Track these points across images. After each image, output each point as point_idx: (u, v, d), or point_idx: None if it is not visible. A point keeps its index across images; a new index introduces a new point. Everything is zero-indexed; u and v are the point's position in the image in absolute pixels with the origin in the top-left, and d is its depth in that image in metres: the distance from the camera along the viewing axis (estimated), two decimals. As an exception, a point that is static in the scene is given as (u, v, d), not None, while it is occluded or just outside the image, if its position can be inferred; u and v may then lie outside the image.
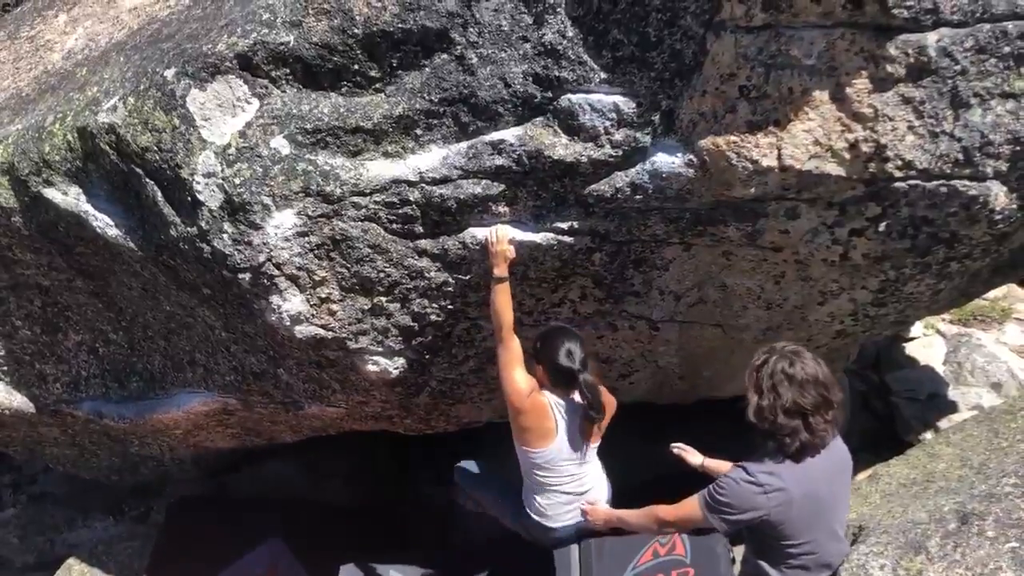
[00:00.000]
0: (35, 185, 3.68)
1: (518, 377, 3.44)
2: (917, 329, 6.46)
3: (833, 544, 3.03)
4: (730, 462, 3.35)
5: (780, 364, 2.86)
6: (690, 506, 3.08)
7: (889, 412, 5.91)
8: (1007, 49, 2.88)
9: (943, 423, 5.56)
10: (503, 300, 3.42)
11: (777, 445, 2.89)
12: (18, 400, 4.92)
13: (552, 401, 3.47)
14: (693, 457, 3.71)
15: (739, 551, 3.98)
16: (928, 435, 5.44)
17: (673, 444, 3.78)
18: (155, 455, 5.49)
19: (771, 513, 2.88)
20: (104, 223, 3.66)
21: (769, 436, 2.89)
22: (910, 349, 6.37)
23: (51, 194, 3.68)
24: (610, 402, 3.55)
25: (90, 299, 4.32)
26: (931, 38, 2.88)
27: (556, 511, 3.67)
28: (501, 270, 3.43)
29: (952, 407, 5.75)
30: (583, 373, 3.39)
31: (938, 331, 6.60)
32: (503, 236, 3.45)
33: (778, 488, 2.86)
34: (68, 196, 3.68)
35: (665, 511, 3.23)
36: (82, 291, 4.28)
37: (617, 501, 3.84)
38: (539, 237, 3.52)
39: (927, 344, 6.42)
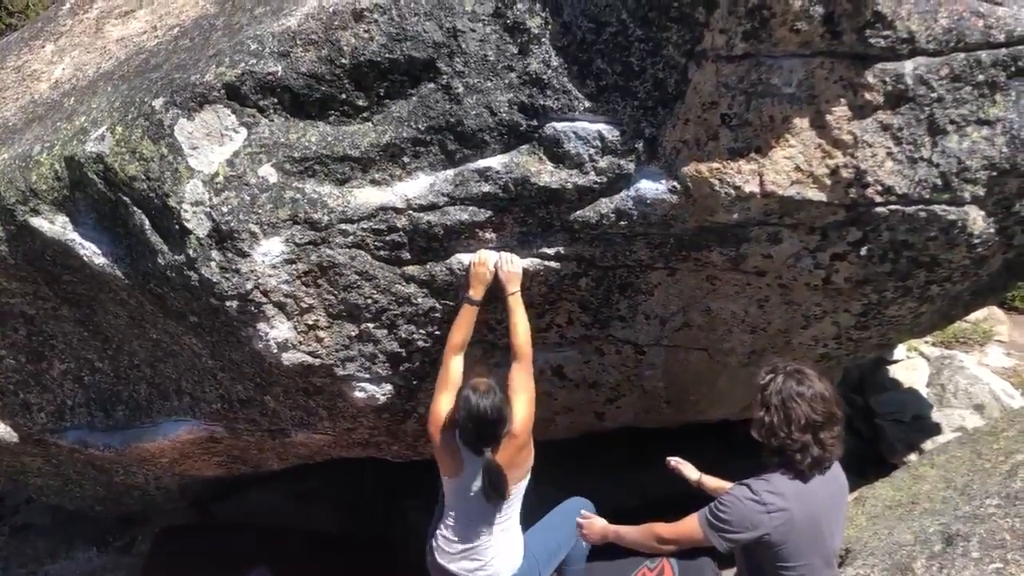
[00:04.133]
0: (22, 214, 3.68)
1: (441, 403, 3.47)
2: (900, 352, 6.51)
3: (826, 571, 3.03)
4: (727, 481, 3.37)
5: (788, 382, 2.89)
6: (690, 524, 3.07)
7: (874, 434, 5.93)
8: (981, 77, 2.94)
9: (927, 445, 5.60)
10: (462, 321, 3.47)
11: (786, 461, 2.89)
12: (1, 430, 4.88)
13: (488, 462, 3.35)
14: (690, 472, 3.71)
15: (728, 575, 3.99)
16: (913, 457, 5.47)
17: (670, 457, 3.78)
18: (140, 484, 5.44)
19: (772, 533, 2.89)
20: (91, 252, 3.66)
21: (778, 453, 2.91)
22: (894, 372, 6.42)
23: (38, 223, 3.68)
24: (516, 476, 3.44)
25: (76, 328, 4.31)
26: (908, 66, 2.94)
27: (447, 549, 3.61)
28: (476, 292, 3.46)
29: (936, 429, 5.78)
30: (485, 453, 3.32)
31: (921, 353, 6.66)
32: (485, 259, 3.46)
33: (781, 508, 2.87)
34: (55, 225, 3.68)
35: (664, 528, 3.20)
36: (68, 320, 4.27)
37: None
38: (526, 263, 3.54)
39: (911, 367, 6.46)
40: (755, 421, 2.95)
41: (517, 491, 3.52)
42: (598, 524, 3.56)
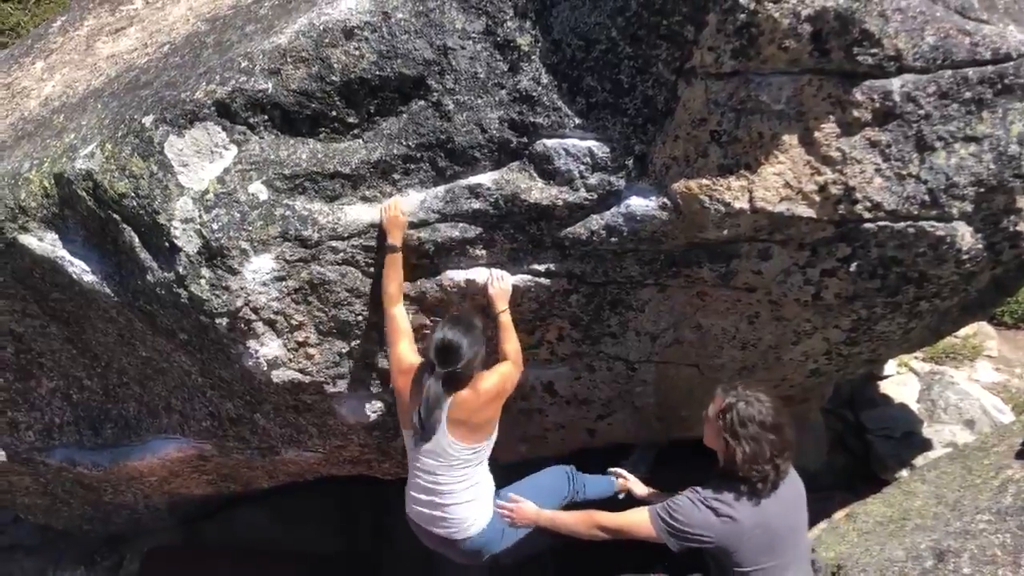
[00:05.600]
0: (10, 231, 3.67)
1: (399, 352, 3.45)
2: (891, 367, 6.52)
3: (791, 571, 3.11)
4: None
5: (749, 411, 3.00)
6: (638, 516, 3.16)
7: (864, 450, 5.93)
8: (968, 94, 2.96)
9: (918, 460, 5.60)
10: (390, 270, 3.42)
11: (748, 488, 3.01)
12: (-12, 449, 4.85)
13: (430, 385, 3.31)
14: (637, 488, 3.78)
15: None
16: (904, 473, 5.47)
17: (611, 469, 3.80)
18: (129, 503, 5.40)
19: (720, 540, 3.00)
20: (80, 269, 3.64)
21: (743, 481, 3.00)
22: (884, 387, 6.43)
23: (26, 240, 3.67)
24: (471, 436, 3.39)
25: (64, 345, 4.28)
26: (895, 84, 2.96)
27: (409, 508, 3.59)
28: (394, 238, 3.40)
29: (927, 444, 5.79)
30: (437, 368, 3.27)
31: (911, 369, 6.67)
32: (395, 203, 3.40)
33: (729, 516, 2.99)
34: (44, 242, 3.66)
35: (606, 516, 3.24)
36: (56, 337, 4.25)
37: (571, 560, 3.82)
38: (516, 279, 3.55)
39: (901, 382, 6.47)
40: (726, 452, 3.04)
41: (473, 454, 3.43)
42: (528, 509, 3.48)
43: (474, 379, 3.36)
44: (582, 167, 3.26)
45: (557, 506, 3.69)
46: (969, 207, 3.12)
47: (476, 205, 3.37)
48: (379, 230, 3.45)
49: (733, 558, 3.02)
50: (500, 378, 3.41)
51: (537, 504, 3.56)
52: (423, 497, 3.51)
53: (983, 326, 7.13)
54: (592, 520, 3.26)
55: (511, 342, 3.49)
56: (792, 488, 3.13)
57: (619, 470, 3.83)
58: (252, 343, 3.57)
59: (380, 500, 5.70)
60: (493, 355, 3.51)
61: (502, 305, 3.50)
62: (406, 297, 3.57)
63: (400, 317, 3.48)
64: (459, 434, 3.37)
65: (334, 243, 3.43)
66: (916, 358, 6.76)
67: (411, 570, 5.46)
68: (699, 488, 3.06)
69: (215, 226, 3.33)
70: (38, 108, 4.28)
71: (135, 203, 3.34)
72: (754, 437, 2.96)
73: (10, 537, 6.67)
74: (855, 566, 3.48)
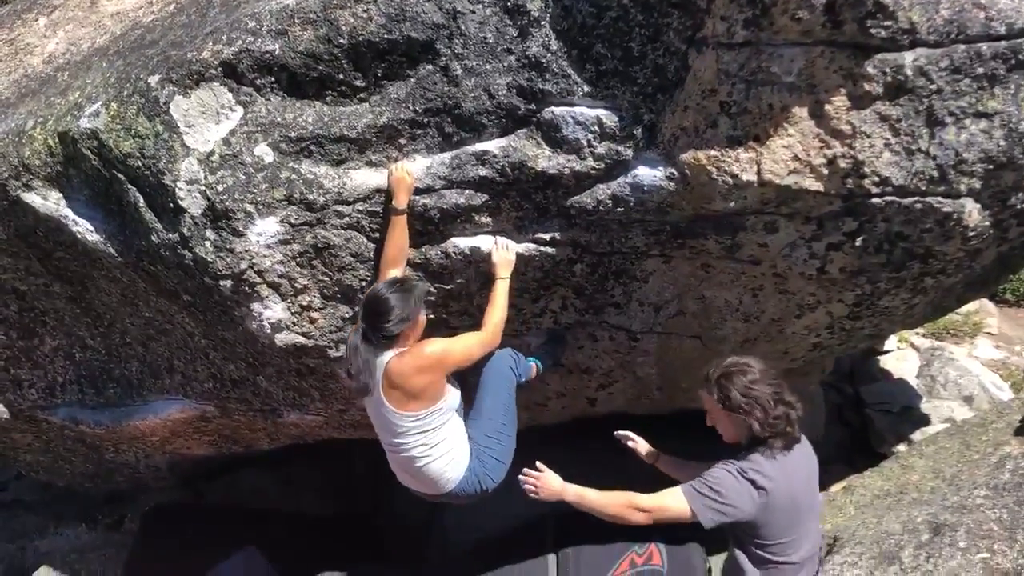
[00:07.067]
0: (14, 189, 3.66)
1: None
2: (891, 343, 6.55)
3: (805, 545, 3.08)
4: (692, 462, 3.38)
5: (738, 380, 2.96)
6: (673, 495, 3.01)
7: (863, 424, 5.98)
8: (981, 70, 2.94)
9: (916, 436, 5.64)
10: (393, 232, 3.39)
11: (774, 445, 2.95)
12: (-8, 406, 4.88)
13: (350, 335, 3.34)
14: (643, 448, 3.59)
15: (715, 561, 4.01)
16: (901, 447, 5.51)
17: (618, 432, 3.61)
18: (130, 462, 5.44)
19: (753, 514, 2.93)
20: (84, 228, 3.63)
21: (768, 442, 2.95)
22: (884, 362, 6.46)
23: (30, 198, 3.66)
24: (414, 400, 3.28)
25: (67, 304, 4.29)
26: (908, 58, 2.93)
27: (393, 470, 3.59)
28: (399, 201, 3.36)
29: (925, 420, 5.83)
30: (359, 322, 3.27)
31: (912, 345, 6.70)
32: (402, 164, 3.36)
33: (764, 488, 2.91)
34: (48, 201, 3.65)
35: (642, 497, 3.05)
36: (59, 296, 4.25)
37: (573, 524, 3.77)
38: (521, 247, 3.54)
39: (901, 357, 6.50)
40: (736, 429, 3.00)
41: (417, 421, 3.32)
42: (553, 482, 3.17)
43: (412, 345, 3.30)
44: (590, 136, 3.24)
45: (510, 392, 3.62)
46: (977, 184, 3.11)
47: (482, 172, 3.36)
48: (385, 194, 3.43)
49: (759, 531, 2.97)
50: (442, 350, 3.29)
51: (493, 396, 3.53)
52: (395, 460, 3.51)
53: (984, 303, 7.16)
54: (629, 501, 3.05)
55: (495, 313, 3.44)
56: (810, 460, 3.10)
57: (627, 433, 3.73)
58: (256, 306, 3.57)
59: (380, 463, 5.76)
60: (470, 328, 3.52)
61: (503, 273, 3.48)
62: (410, 263, 3.56)
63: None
64: (394, 400, 3.28)
65: (339, 207, 3.42)
66: (917, 334, 6.78)
67: (409, 532, 5.52)
68: (733, 460, 2.98)
69: (220, 188, 3.32)
70: (42, 65, 4.24)
71: (140, 163, 3.33)
72: (755, 397, 2.92)
73: (12, 493, 6.74)
74: (851, 538, 3.51)
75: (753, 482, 2.91)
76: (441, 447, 3.39)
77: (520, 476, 3.19)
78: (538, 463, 3.20)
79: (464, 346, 3.38)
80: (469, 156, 3.35)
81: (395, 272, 3.42)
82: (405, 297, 3.23)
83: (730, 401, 2.95)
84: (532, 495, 3.18)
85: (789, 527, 2.99)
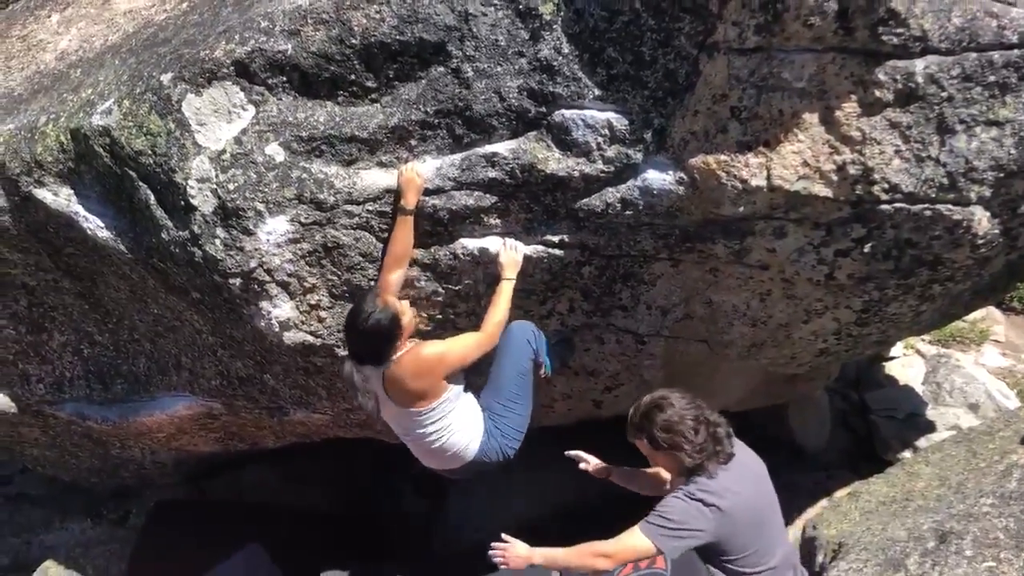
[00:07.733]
0: (26, 185, 3.67)
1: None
2: (897, 349, 6.53)
3: (777, 552, 3.13)
4: (641, 470, 3.52)
5: (657, 417, 3.08)
6: (633, 534, 3.03)
7: (868, 431, 5.96)
8: (992, 78, 2.94)
9: (921, 442, 5.63)
10: (399, 232, 3.41)
11: (714, 463, 3.04)
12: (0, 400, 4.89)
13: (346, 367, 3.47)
14: (595, 465, 3.70)
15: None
16: (907, 454, 5.50)
17: (568, 452, 3.74)
18: (136, 458, 5.46)
19: (714, 530, 2.99)
20: (95, 225, 3.65)
21: (706, 464, 3.04)
22: (890, 369, 6.45)
23: (42, 194, 3.67)
24: (416, 399, 3.41)
25: (76, 300, 4.31)
26: (919, 65, 2.94)
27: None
28: (408, 201, 3.37)
29: (930, 427, 5.81)
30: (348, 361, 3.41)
31: (918, 351, 6.68)
32: (413, 165, 3.38)
33: (716, 504, 2.98)
34: (59, 197, 3.67)
35: (605, 544, 3.05)
36: (69, 292, 4.27)
37: (573, 524, 3.78)
38: (529, 249, 3.55)
39: (907, 364, 6.49)
40: (672, 463, 3.11)
41: (426, 414, 3.45)
42: (520, 549, 3.15)
43: (407, 346, 3.40)
44: (600, 139, 3.25)
45: (527, 363, 3.63)
46: (987, 192, 3.11)
47: (492, 174, 3.37)
48: (394, 194, 3.45)
49: (726, 549, 3.02)
50: (440, 353, 3.39)
51: (512, 364, 3.58)
52: (414, 447, 3.63)
53: (992, 311, 7.14)
54: (592, 551, 3.06)
55: (496, 314, 3.48)
56: (755, 462, 3.19)
57: (578, 452, 3.78)
58: (264, 304, 3.59)
59: (385, 462, 5.77)
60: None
61: (509, 274, 3.50)
62: (419, 264, 3.57)
63: (395, 284, 3.46)
64: (400, 401, 3.43)
65: (349, 207, 3.43)
66: (923, 340, 6.77)
67: (412, 530, 5.53)
68: (681, 487, 3.06)
69: (231, 186, 3.33)
70: (54, 62, 4.26)
71: (152, 161, 3.34)
72: (677, 431, 3.02)
73: (17, 487, 6.75)
74: (856, 544, 3.49)
75: (702, 501, 2.98)
76: (456, 424, 3.52)
77: (489, 551, 3.17)
78: (503, 535, 3.20)
79: (461, 347, 3.45)
80: (479, 158, 3.36)
81: (398, 271, 3.46)
82: (386, 322, 3.32)
83: (656, 440, 3.07)
84: (502, 565, 3.18)
85: (756, 536, 3.05)
